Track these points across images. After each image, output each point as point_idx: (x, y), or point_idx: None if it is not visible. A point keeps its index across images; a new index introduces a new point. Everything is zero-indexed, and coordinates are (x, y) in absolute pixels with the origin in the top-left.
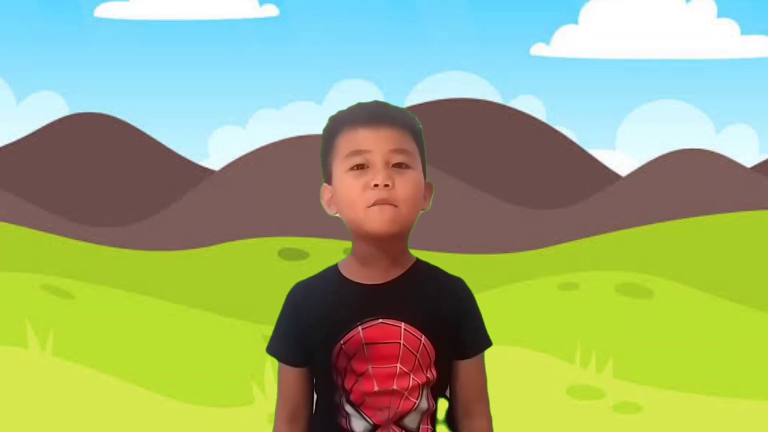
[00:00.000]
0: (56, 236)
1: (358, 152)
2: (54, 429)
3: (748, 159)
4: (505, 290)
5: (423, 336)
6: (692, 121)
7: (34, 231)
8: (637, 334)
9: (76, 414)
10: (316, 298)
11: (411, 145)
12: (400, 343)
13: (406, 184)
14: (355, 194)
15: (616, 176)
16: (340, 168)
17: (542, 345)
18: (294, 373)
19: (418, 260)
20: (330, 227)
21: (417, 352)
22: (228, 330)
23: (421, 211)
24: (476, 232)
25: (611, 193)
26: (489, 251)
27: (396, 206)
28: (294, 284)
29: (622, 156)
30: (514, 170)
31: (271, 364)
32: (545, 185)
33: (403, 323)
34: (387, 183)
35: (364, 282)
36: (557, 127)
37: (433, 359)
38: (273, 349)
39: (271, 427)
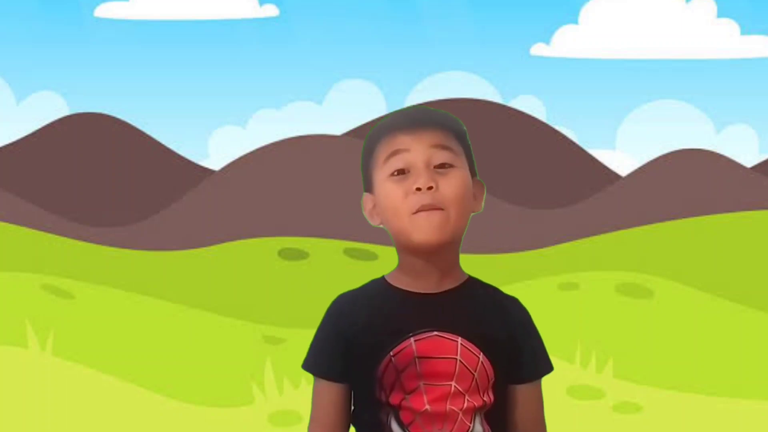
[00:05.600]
0: (56, 236)
1: (396, 152)
2: (54, 429)
3: (748, 159)
4: (505, 290)
5: (481, 354)
6: (692, 121)
7: (34, 231)
8: (637, 334)
9: (76, 414)
10: (361, 306)
11: (454, 144)
12: (456, 359)
13: (452, 184)
14: (397, 201)
15: (616, 176)
16: (380, 175)
17: None
18: (331, 390)
19: (471, 277)
20: (330, 227)
21: (475, 371)
22: (228, 330)
23: (473, 213)
24: (476, 232)
25: (611, 193)
26: (489, 251)
27: (443, 209)
28: (336, 296)
29: (622, 156)
30: (514, 170)
31: (271, 365)
32: (545, 185)
33: (459, 338)
34: (430, 185)
35: (416, 291)
36: (557, 127)
37: (491, 381)
38: (310, 364)
39: (271, 427)
